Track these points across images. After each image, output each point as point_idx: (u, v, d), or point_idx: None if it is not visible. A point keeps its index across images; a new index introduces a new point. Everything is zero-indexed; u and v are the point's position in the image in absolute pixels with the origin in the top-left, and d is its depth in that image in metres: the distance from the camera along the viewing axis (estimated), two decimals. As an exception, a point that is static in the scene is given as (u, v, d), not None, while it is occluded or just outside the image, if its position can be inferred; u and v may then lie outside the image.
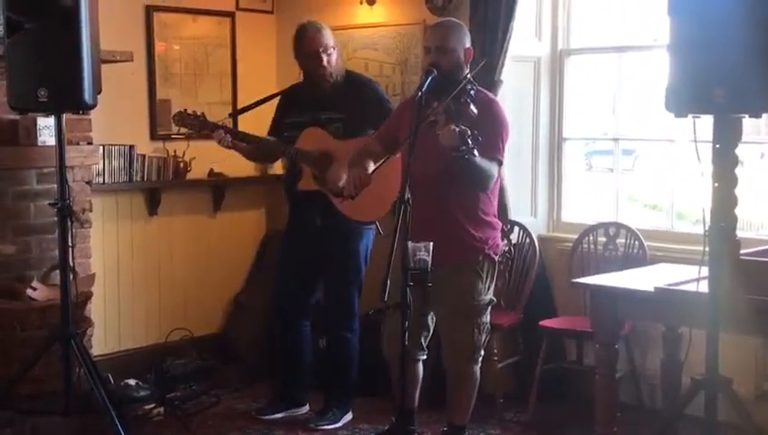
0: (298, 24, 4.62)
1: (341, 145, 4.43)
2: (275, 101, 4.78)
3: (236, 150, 4.56)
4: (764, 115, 3.20)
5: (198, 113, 4.54)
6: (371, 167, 3.93)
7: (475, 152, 3.41)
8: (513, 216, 4.99)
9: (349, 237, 4.54)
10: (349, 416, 4.70)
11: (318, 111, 4.51)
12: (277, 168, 5.85)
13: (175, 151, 5.51)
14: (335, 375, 4.71)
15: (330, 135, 4.47)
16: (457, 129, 3.39)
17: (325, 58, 4.45)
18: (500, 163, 3.80)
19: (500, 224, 4.02)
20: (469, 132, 3.38)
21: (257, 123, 4.80)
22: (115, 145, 5.23)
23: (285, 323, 4.78)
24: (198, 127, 4.55)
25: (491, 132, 3.71)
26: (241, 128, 4.80)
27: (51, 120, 4.40)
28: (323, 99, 4.51)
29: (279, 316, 4.82)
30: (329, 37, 4.50)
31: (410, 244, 3.25)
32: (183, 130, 4.71)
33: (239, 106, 5.51)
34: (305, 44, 4.48)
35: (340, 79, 4.54)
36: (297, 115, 4.57)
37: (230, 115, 4.62)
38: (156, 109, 5.49)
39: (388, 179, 4.02)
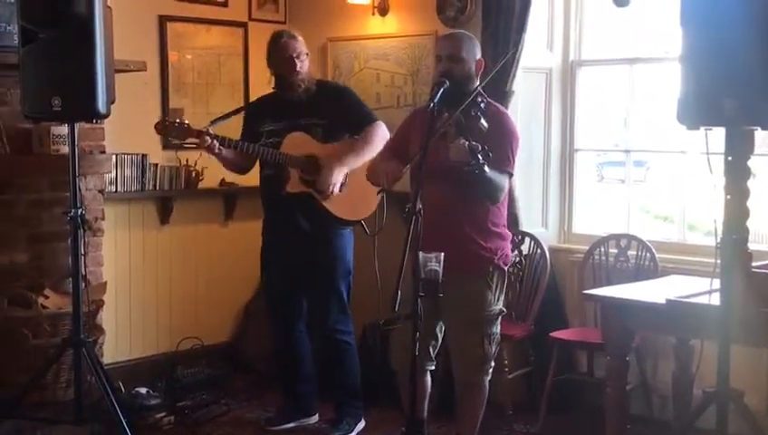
0: (273, 32, 4.68)
1: (326, 148, 4.49)
2: (243, 113, 4.79)
3: (219, 159, 4.56)
4: (777, 128, 3.19)
5: (182, 121, 4.47)
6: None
7: (486, 167, 3.41)
8: (524, 227, 4.99)
9: (334, 237, 4.57)
10: (362, 424, 4.70)
11: (296, 117, 4.52)
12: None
13: (187, 160, 5.54)
14: (341, 382, 4.70)
15: (313, 139, 4.51)
16: (467, 143, 3.39)
17: (299, 63, 4.49)
18: (510, 175, 3.80)
19: (510, 235, 4.02)
20: (480, 147, 3.38)
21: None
22: (128, 154, 5.26)
23: (283, 328, 4.77)
24: (183, 135, 4.50)
25: (501, 144, 3.71)
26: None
27: (64, 129, 4.43)
28: (299, 105, 4.53)
29: (276, 322, 4.82)
30: (302, 44, 4.56)
31: (421, 254, 3.25)
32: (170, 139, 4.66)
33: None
34: (279, 49, 4.52)
35: (312, 86, 4.58)
36: (272, 123, 4.57)
37: (211, 123, 4.59)
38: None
39: None
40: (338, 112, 4.54)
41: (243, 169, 4.77)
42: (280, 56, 4.51)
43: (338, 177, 4.44)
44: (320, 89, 4.62)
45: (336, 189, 4.44)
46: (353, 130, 4.55)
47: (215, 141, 4.40)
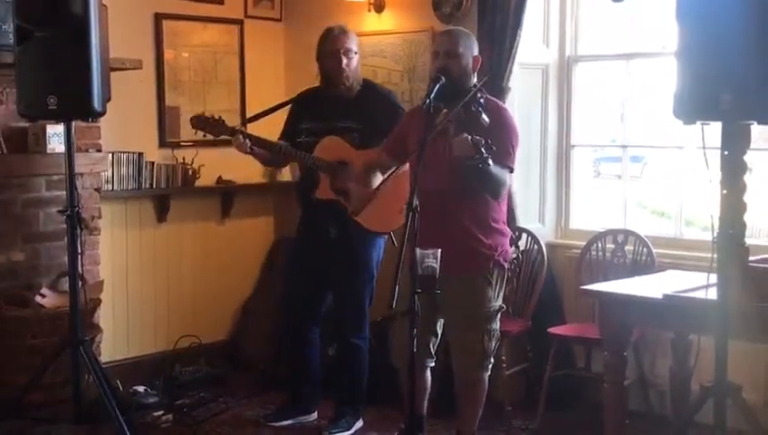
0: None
1: (360, 155, 4.43)
2: (288, 107, 4.79)
3: (253, 156, 4.55)
4: (774, 122, 3.19)
5: (217, 117, 4.48)
6: (378, 179, 3.95)
7: (490, 161, 3.41)
8: (521, 222, 4.99)
9: (361, 246, 4.54)
10: (360, 423, 4.70)
11: (334, 118, 4.49)
12: (285, 174, 5.87)
13: (184, 159, 5.53)
14: (347, 383, 4.71)
15: (348, 145, 4.48)
16: (470, 138, 3.40)
17: (345, 60, 4.46)
18: (511, 170, 3.80)
19: (509, 232, 4.02)
20: (483, 141, 3.38)
21: (271, 129, 4.79)
22: (124, 152, 5.25)
23: (296, 329, 4.78)
24: (217, 131, 4.49)
25: (502, 140, 3.71)
26: (254, 132, 4.79)
27: (60, 128, 4.42)
28: (340, 106, 4.50)
29: (290, 322, 4.82)
30: (353, 41, 4.52)
31: (419, 251, 3.25)
32: (200, 134, 4.66)
33: (247, 113, 5.54)
34: (328, 42, 4.49)
35: (357, 86, 4.54)
36: (311, 121, 4.56)
37: (247, 121, 4.60)
38: (165, 116, 5.51)
39: (404, 190, 4.06)
40: (376, 118, 4.47)
41: (278, 166, 4.78)
42: (327, 50, 4.49)
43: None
44: (363, 90, 4.57)
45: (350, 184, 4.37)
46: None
47: (247, 140, 4.40)
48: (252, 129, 4.70)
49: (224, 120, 4.47)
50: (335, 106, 4.51)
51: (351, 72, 4.49)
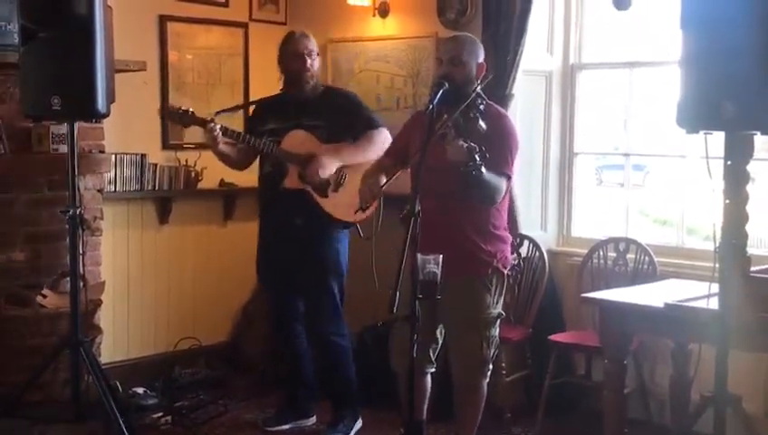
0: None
1: (326, 148, 4.49)
2: (249, 111, 4.81)
3: (216, 152, 4.56)
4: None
5: (185, 108, 4.49)
6: (383, 180, 3.94)
7: (483, 168, 3.41)
8: (523, 229, 4.99)
9: (329, 237, 4.57)
10: (359, 424, 4.70)
11: (300, 117, 4.55)
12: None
13: (186, 161, 5.53)
14: (337, 384, 4.70)
15: (314, 138, 4.52)
16: (465, 144, 3.40)
17: (309, 61, 4.54)
18: (508, 178, 3.79)
19: (510, 238, 4.01)
20: (477, 148, 3.38)
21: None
22: (127, 154, 5.25)
23: (280, 327, 4.78)
24: (186, 122, 4.52)
25: (500, 147, 3.71)
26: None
27: (63, 128, 4.42)
28: (304, 106, 4.56)
29: (274, 324, 4.84)
30: (314, 44, 4.62)
31: (420, 256, 3.25)
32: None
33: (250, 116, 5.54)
34: (291, 45, 4.57)
35: (319, 88, 4.63)
36: (276, 122, 4.59)
37: (216, 114, 4.62)
38: (168, 118, 5.52)
39: None
40: (342, 116, 4.55)
41: (239, 165, 4.76)
42: (293, 51, 4.55)
43: (327, 164, 4.43)
44: (326, 92, 4.68)
45: (324, 175, 4.43)
46: (357, 133, 4.54)
47: (218, 131, 4.42)
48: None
49: (193, 112, 4.48)
50: (300, 107, 4.57)
51: (314, 72, 4.58)
